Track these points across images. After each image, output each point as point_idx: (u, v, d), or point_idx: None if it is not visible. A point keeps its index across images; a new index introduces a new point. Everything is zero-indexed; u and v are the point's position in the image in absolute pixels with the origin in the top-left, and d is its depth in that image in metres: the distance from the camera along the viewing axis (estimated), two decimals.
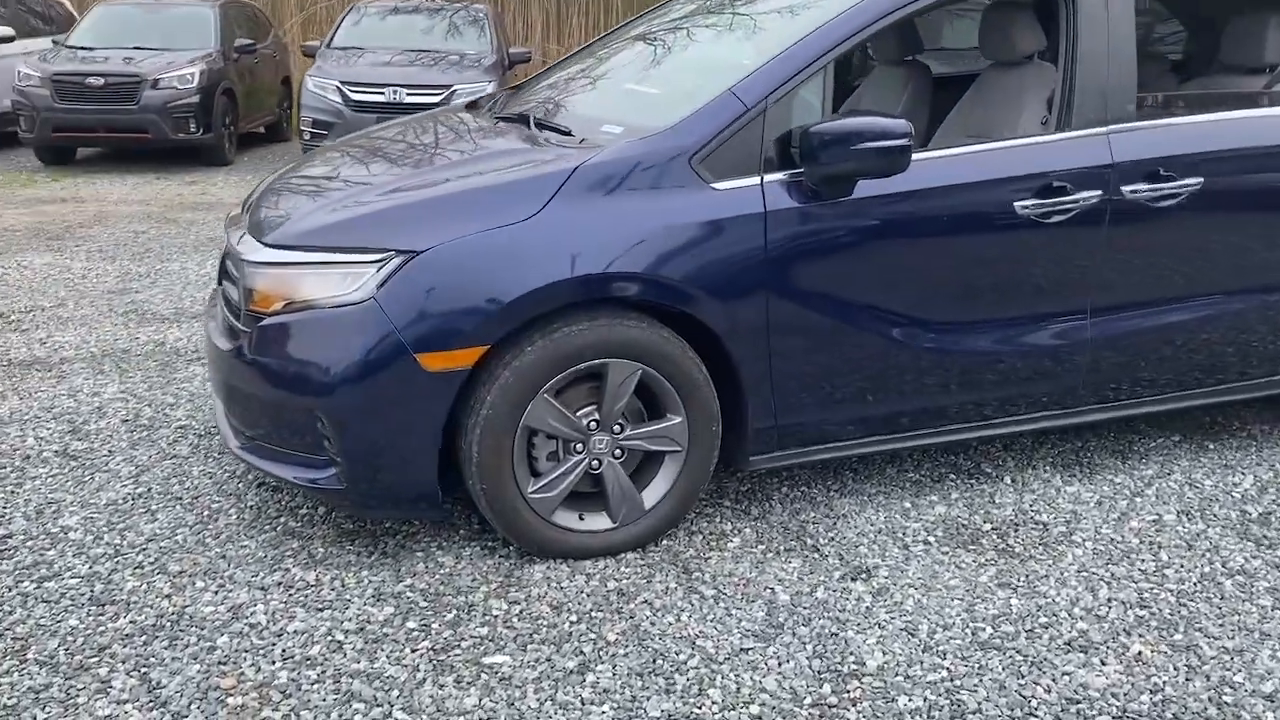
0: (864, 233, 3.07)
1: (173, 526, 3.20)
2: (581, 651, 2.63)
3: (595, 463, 3.01)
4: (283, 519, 3.25)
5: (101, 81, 10.16)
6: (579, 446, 2.99)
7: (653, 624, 2.75)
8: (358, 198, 3.05)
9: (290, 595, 2.84)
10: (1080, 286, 3.35)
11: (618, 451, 3.03)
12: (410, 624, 2.72)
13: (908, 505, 3.43)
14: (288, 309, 2.86)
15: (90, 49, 10.83)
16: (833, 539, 3.21)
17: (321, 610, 2.78)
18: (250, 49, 11.60)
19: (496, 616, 2.76)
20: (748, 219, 2.95)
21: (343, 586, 2.89)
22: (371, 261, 2.80)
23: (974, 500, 3.47)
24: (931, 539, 3.22)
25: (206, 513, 3.30)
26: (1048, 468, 3.71)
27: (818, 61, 3.04)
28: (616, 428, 3.00)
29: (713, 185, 2.95)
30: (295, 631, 2.68)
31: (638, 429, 3.04)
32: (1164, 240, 3.42)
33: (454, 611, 2.78)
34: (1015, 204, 3.19)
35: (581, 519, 3.06)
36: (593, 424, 2.98)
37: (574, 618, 2.77)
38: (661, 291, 2.91)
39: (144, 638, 2.64)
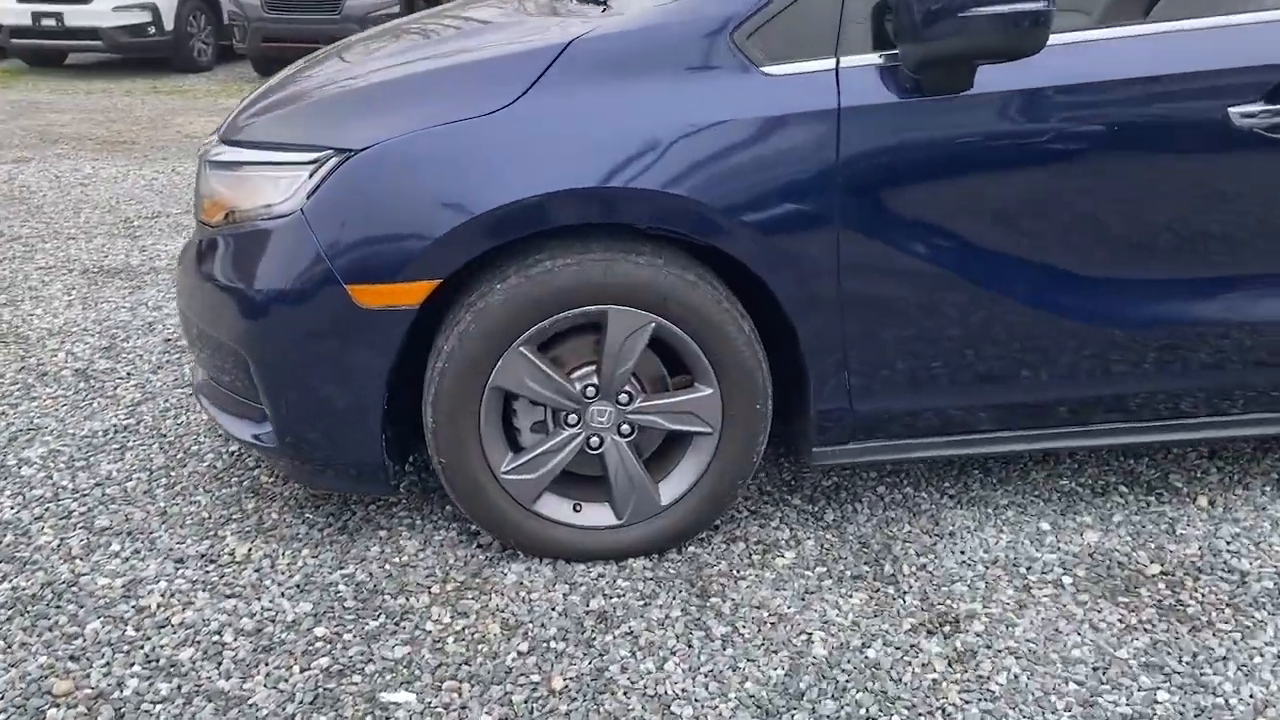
0: (987, 145, 2.14)
1: (132, 470, 2.75)
2: (509, 701, 1.95)
3: (595, 440, 2.29)
4: (255, 473, 2.73)
5: None
6: (572, 418, 2.27)
7: (623, 670, 2.03)
8: (325, 87, 2.41)
9: (205, 573, 2.31)
10: None
11: (625, 428, 2.29)
12: (320, 630, 2.13)
13: (1045, 527, 2.50)
14: (227, 221, 2.29)
15: None
16: (923, 568, 2.35)
17: (229, 597, 2.23)
18: None
19: (428, 633, 2.12)
20: (813, 119, 2.10)
21: (270, 567, 2.33)
22: (306, 163, 2.17)
23: (1144, 528, 2.49)
24: (1067, 580, 2.30)
25: (180, 456, 2.83)
26: (1267, 491, 2.65)
27: None
28: (623, 397, 2.26)
29: (764, 70, 2.11)
30: (181, 624, 2.14)
31: (651, 400, 2.28)
32: None
33: (381, 619, 2.16)
34: (1231, 110, 2.16)
35: (578, 510, 2.35)
36: (591, 390, 2.25)
37: (524, 647, 2.09)
38: (680, 216, 2.12)
39: (10, 612, 2.18)
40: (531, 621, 2.15)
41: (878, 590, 2.27)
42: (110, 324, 3.81)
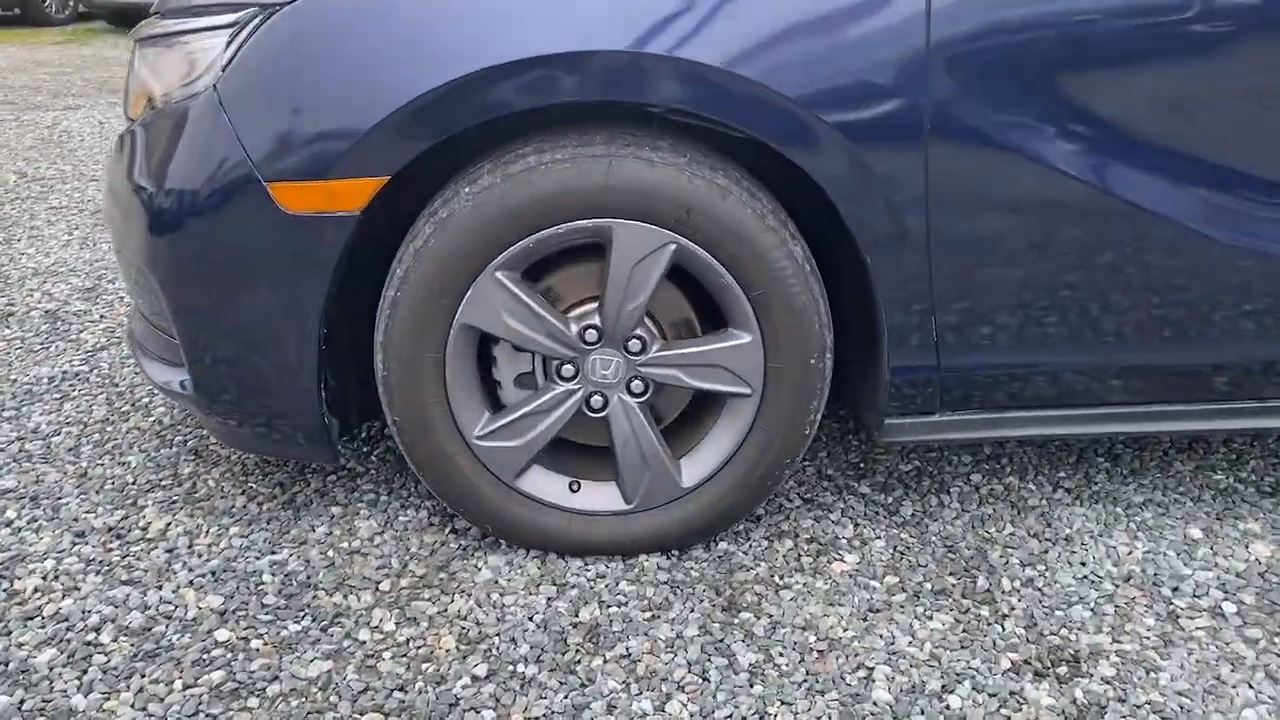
0: (1147, 18, 1.54)
1: (64, 424, 2.31)
2: None
3: (597, 399, 1.75)
4: (204, 432, 2.26)
5: None
6: (568, 370, 1.73)
7: (609, 711, 1.48)
8: None
9: (106, 550, 1.84)
10: None
11: (636, 385, 1.74)
12: (222, 633, 1.63)
13: (1195, 535, 1.88)
14: (149, 108, 1.80)
15: None
16: (1029, 583, 1.76)
17: (124, 584, 1.75)
18: None
19: (360, 645, 1.61)
20: None
21: (187, 548, 1.85)
22: (226, 26, 1.67)
23: None
24: (1229, 608, 1.69)
25: (125, 410, 2.37)
26: None
27: None
28: (634, 344, 1.72)
29: None
30: (54, 616, 1.67)
31: (671, 349, 1.73)
32: None
33: (305, 622, 1.66)
34: None
35: (575, 489, 1.82)
36: (592, 333, 1.71)
37: (482, 670, 1.56)
38: (706, 96, 1.56)
39: None
40: (499, 635, 1.63)
41: (967, 612, 1.69)
42: (102, 265, 3.40)
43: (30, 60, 8.70)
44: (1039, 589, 1.74)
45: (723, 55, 1.53)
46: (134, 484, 2.05)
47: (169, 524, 1.92)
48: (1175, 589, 1.74)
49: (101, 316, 2.94)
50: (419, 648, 1.60)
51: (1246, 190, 1.63)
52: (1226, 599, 1.72)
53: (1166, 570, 1.79)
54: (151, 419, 2.32)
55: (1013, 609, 1.69)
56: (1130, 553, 1.84)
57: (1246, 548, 1.84)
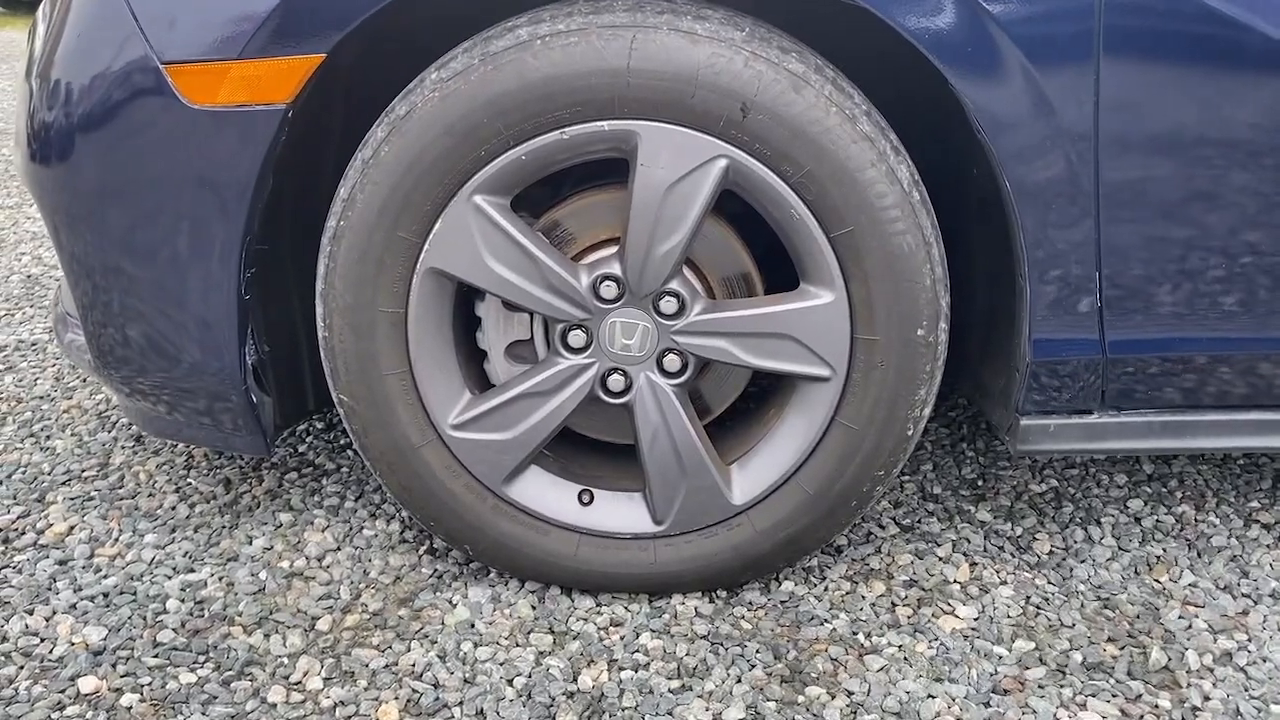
0: None
1: None
2: None
3: (617, 379, 1.26)
4: None
5: None
6: (577, 337, 1.25)
7: None
8: None
9: None
10: None
11: (671, 361, 1.26)
12: (88, 682, 1.18)
13: None
14: None
15: None
16: (1228, 658, 1.22)
17: None
18: None
19: (268, 710, 1.15)
20: None
21: (86, 559, 1.41)
22: None
23: None
24: None
25: (74, 385, 1.97)
26: None
27: None
28: (668, 303, 1.23)
29: None
30: None
31: (720, 311, 1.24)
32: None
33: (206, 670, 1.20)
34: None
35: (587, 502, 1.33)
36: (610, 286, 1.23)
37: None
38: None
39: None
40: (460, 706, 1.15)
41: (1138, 699, 1.16)
42: None
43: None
44: (1242, 669, 1.21)
45: None
46: (49, 474, 1.64)
47: (73, 526, 1.50)
48: None
49: None
50: (347, 718, 1.13)
51: None
52: None
53: None
54: (98, 398, 1.91)
55: (1207, 698, 1.16)
56: None
57: None
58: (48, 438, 1.76)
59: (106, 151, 1.23)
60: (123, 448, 1.73)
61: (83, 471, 1.65)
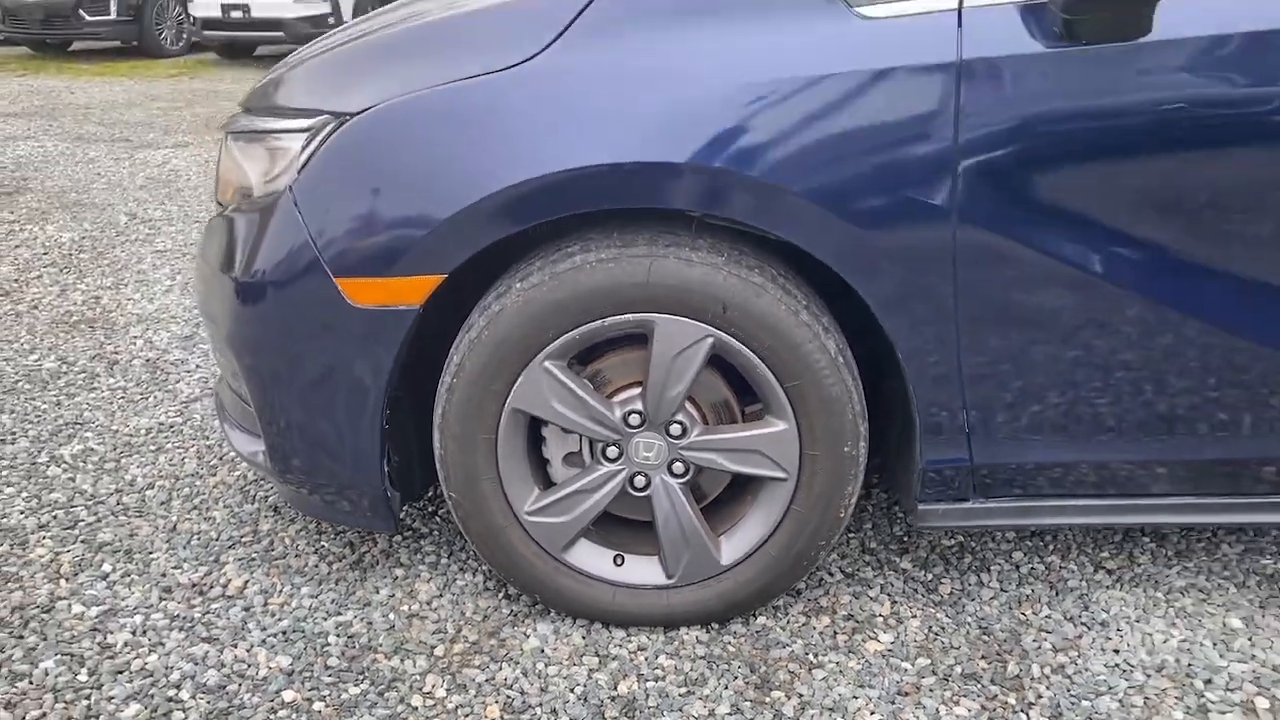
0: (1172, 114, 1.57)
1: (158, 477, 2.48)
2: None
3: (640, 479, 1.84)
4: None
5: None
6: (612, 451, 1.83)
7: None
8: (345, 43, 2.04)
9: (190, 606, 1.99)
10: None
11: (678, 466, 1.83)
12: (289, 694, 1.76)
13: (1235, 624, 1.89)
14: (232, 199, 1.96)
15: None
16: (1060, 670, 1.79)
17: (204, 641, 1.89)
18: None
19: (413, 711, 1.72)
20: (923, 75, 1.59)
21: (262, 606, 1.99)
22: (302, 130, 1.81)
23: None
24: (1262, 703, 1.70)
25: (214, 463, 2.55)
26: None
27: None
28: (675, 428, 1.81)
29: (858, 9, 1.61)
30: (141, 670, 1.81)
31: (711, 434, 1.82)
32: None
33: (364, 685, 1.78)
34: None
35: (619, 563, 1.91)
36: (635, 417, 1.80)
37: None
38: (745, 202, 1.65)
39: None
40: (540, 706, 1.73)
41: (994, 698, 1.73)
42: (200, 313, 3.62)
43: (145, 94, 9.16)
44: (1069, 676, 1.78)
45: (758, 167, 1.61)
46: (218, 540, 2.21)
47: (246, 581, 2.07)
48: (1208, 681, 1.76)
49: (197, 366, 3.14)
50: (466, 716, 1.71)
51: (1272, 292, 1.65)
52: (1260, 693, 1.73)
53: (1201, 661, 1.80)
54: (236, 474, 2.48)
55: (1039, 697, 1.73)
56: (1166, 640, 1.86)
57: None
58: (207, 510, 2.34)
59: (294, 329, 1.80)
60: (265, 517, 2.30)
61: (241, 537, 2.22)
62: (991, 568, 2.08)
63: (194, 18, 11.11)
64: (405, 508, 2.30)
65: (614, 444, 1.82)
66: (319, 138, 1.76)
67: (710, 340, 1.73)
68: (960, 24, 1.58)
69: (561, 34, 1.67)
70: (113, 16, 11.47)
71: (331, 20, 10.82)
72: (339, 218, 1.74)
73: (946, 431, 1.78)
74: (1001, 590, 2.01)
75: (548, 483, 1.91)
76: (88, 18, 11.43)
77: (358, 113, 1.73)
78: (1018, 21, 1.58)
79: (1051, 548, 2.14)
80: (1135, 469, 1.81)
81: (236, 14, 10.78)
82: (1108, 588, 2.01)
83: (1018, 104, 1.58)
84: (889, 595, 2.00)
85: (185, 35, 12.01)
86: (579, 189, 1.65)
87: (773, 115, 1.61)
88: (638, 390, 1.82)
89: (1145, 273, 1.65)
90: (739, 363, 1.76)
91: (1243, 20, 1.54)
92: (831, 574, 2.07)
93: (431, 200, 1.68)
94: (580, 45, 1.67)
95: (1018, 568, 2.08)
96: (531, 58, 1.67)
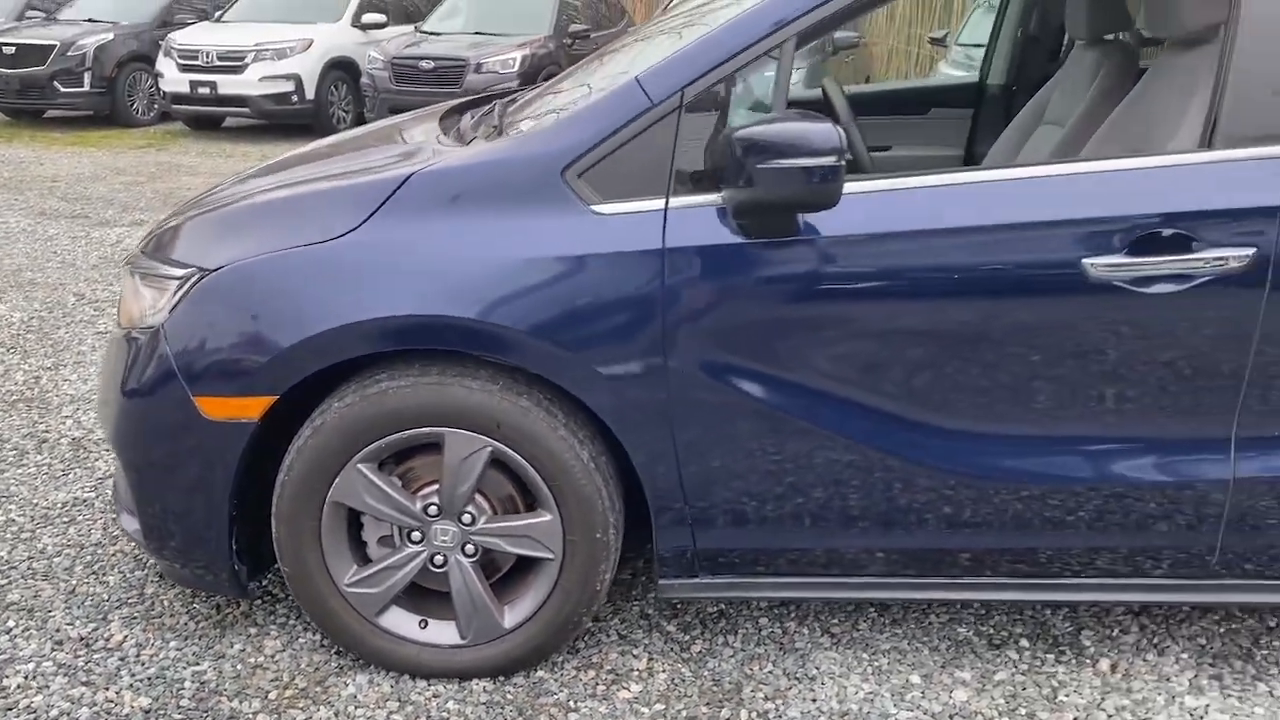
0: (818, 292, 2.09)
1: (66, 545, 2.93)
2: None
3: (439, 558, 2.31)
4: None
5: (432, 65, 10.63)
6: (416, 535, 2.30)
7: None
8: (216, 207, 2.52)
9: (75, 656, 2.43)
10: (1213, 397, 2.11)
11: (469, 548, 2.30)
12: None
13: (915, 680, 2.37)
14: (125, 325, 2.44)
15: (436, 34, 11.39)
16: (764, 715, 2.26)
17: (82, 684, 2.33)
18: (585, 34, 11.62)
19: None
20: (638, 258, 2.09)
21: (135, 656, 2.43)
22: (176, 278, 2.30)
23: (1024, 690, 2.33)
24: None
25: (115, 534, 2.99)
26: (1181, 659, 2.44)
27: (765, 41, 2.09)
28: (466, 517, 2.28)
29: (593, 208, 2.12)
30: (27, 708, 2.26)
31: (494, 522, 2.29)
32: None
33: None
34: (1086, 261, 2.03)
35: (424, 626, 2.38)
36: (433, 508, 2.28)
37: None
38: (501, 346, 2.14)
39: None
40: None
41: None
42: None
43: (111, 167, 9.66)
44: (779, 714, 2.24)
45: (518, 321, 2.10)
46: (109, 600, 2.66)
47: (126, 636, 2.51)
48: None
49: None
50: None
51: (904, 423, 2.15)
52: None
53: (878, 710, 2.27)
54: (133, 544, 2.93)
55: None
56: (856, 692, 2.33)
57: (950, 693, 2.32)
58: (104, 575, 2.78)
59: (163, 436, 2.27)
60: (152, 581, 2.75)
61: (128, 599, 2.67)
62: (739, 630, 2.55)
63: (164, 91, 11.65)
64: (269, 575, 2.75)
65: (417, 529, 2.29)
66: (185, 286, 2.25)
67: (489, 449, 2.21)
68: (665, 220, 2.09)
69: (372, 214, 2.17)
70: (86, 89, 11.99)
71: (295, 99, 11.40)
72: (196, 348, 2.22)
73: (674, 522, 2.26)
74: (740, 649, 2.48)
75: (366, 560, 2.37)
76: (62, 89, 11.95)
77: (215, 269, 2.22)
78: (711, 219, 2.09)
79: (792, 615, 2.61)
80: (839, 554, 2.28)
81: (204, 90, 11.34)
82: (827, 649, 2.48)
83: (708, 279, 2.09)
84: (649, 653, 2.47)
85: (156, 106, 12.53)
86: (377, 334, 2.13)
87: (526, 282, 2.10)
88: (436, 487, 2.29)
89: (811, 407, 2.14)
90: (514, 466, 2.24)
91: (860, 226, 2.05)
92: (609, 635, 2.53)
93: (266, 339, 2.16)
94: (386, 224, 2.17)
95: (760, 631, 2.55)
96: (347, 233, 2.17)
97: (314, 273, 2.17)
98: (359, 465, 2.23)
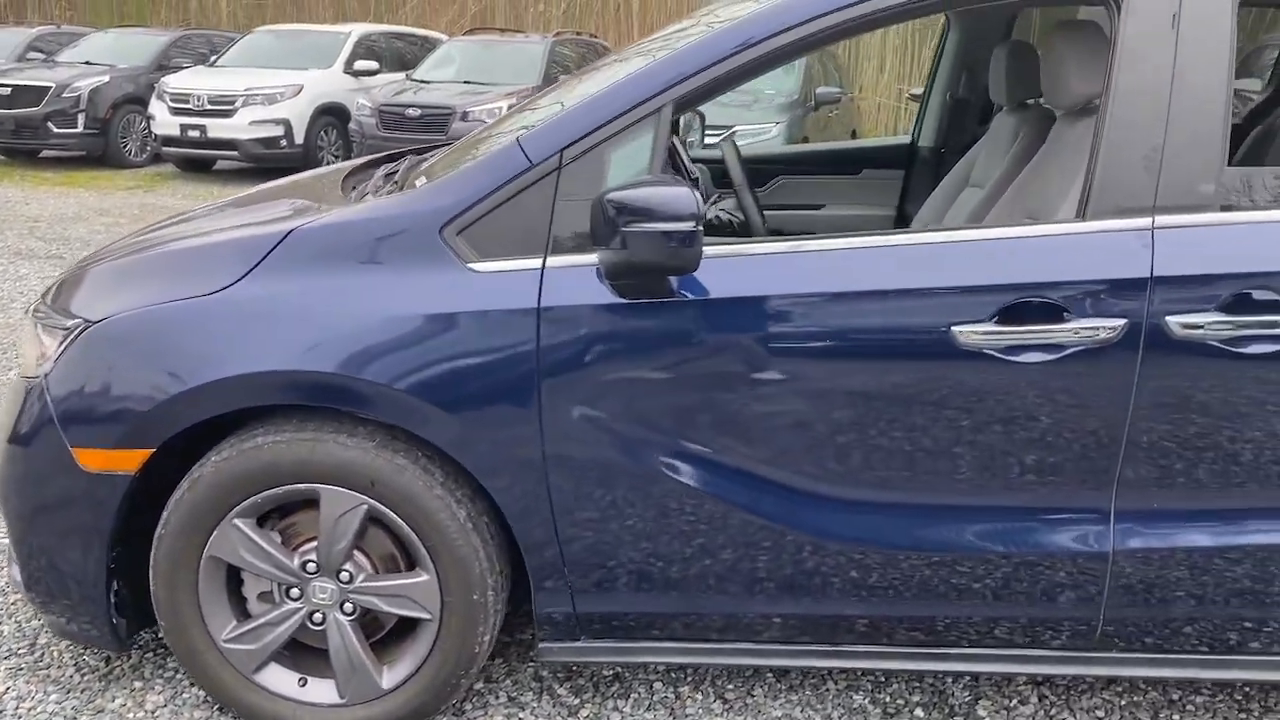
0: (687, 355, 2.08)
1: None
2: None
3: (318, 616, 2.28)
4: None
5: (418, 113, 10.73)
6: (295, 592, 2.28)
7: None
8: (105, 259, 2.52)
9: None
10: (1090, 467, 2.09)
11: (348, 606, 2.27)
12: None
13: None
14: (25, 369, 2.43)
15: (426, 82, 11.51)
16: None
17: None
18: None
19: None
20: (513, 317, 2.09)
21: (13, 710, 2.40)
22: (64, 329, 2.29)
23: None
24: None
25: None
26: None
27: (643, 106, 2.10)
28: (344, 575, 2.26)
29: (471, 266, 2.11)
30: None
31: (372, 581, 2.26)
32: (1254, 408, 2.04)
33: None
34: (956, 329, 2.02)
35: (303, 684, 2.34)
36: (312, 565, 2.25)
37: None
38: (373, 403, 2.13)
39: None
40: None
41: None
42: None
43: (96, 208, 9.73)
44: None
45: (389, 377, 2.09)
46: None
47: (9, 688, 2.48)
48: None
49: None
50: None
51: (771, 487, 2.13)
52: None
53: None
54: None
55: None
56: None
57: None
58: (0, 625, 2.76)
59: (43, 486, 2.25)
60: (45, 632, 2.72)
61: (18, 649, 2.64)
62: (630, 695, 2.51)
63: (155, 134, 11.77)
64: (154, 629, 2.72)
65: (295, 586, 2.27)
66: (70, 337, 2.25)
67: (365, 507, 2.19)
68: (542, 280, 2.09)
69: (251, 270, 2.17)
70: (79, 130, 12.10)
71: (284, 143, 11.50)
72: (75, 399, 2.21)
73: (553, 585, 2.23)
74: (630, 714, 2.44)
75: (246, 615, 2.35)
76: (55, 130, 12.06)
77: (99, 320, 2.22)
78: (588, 279, 2.08)
79: (687, 679, 2.57)
80: (733, 619, 2.25)
81: (194, 133, 11.45)
82: (718, 715, 2.44)
83: (583, 340, 2.08)
84: (535, 716, 2.43)
85: (149, 148, 12.64)
86: (246, 389, 2.13)
87: (400, 339, 2.10)
88: (316, 544, 2.27)
89: (686, 470, 2.12)
90: (391, 525, 2.22)
91: (725, 289, 2.05)
92: (498, 697, 2.50)
93: (142, 392, 2.15)
94: (264, 280, 2.16)
95: (652, 695, 2.51)
96: (224, 289, 2.17)
97: (191, 326, 2.17)
98: (235, 520, 2.21)
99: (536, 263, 2.10)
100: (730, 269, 2.06)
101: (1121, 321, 2.00)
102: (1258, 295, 1.99)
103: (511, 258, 2.11)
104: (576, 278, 2.09)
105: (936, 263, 2.05)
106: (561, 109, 2.18)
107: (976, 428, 2.07)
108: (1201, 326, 1.99)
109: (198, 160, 12.17)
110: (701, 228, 1.91)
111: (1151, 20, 2.01)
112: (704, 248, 2.00)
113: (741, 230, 2.84)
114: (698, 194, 1.92)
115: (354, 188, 2.67)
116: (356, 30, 13.00)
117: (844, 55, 12.66)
